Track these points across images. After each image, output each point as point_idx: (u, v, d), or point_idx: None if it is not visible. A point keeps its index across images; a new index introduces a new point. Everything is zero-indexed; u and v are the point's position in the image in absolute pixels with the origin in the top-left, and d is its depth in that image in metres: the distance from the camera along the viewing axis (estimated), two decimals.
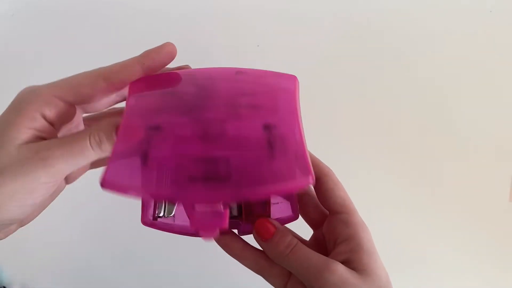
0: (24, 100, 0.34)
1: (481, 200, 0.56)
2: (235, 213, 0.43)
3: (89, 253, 0.59)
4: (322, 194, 0.42)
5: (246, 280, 0.51)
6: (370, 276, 0.37)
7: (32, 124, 0.34)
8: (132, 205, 0.39)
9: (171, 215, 0.42)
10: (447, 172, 0.56)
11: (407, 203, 0.57)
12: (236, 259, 0.43)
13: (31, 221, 0.40)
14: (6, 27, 0.52)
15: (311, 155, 0.42)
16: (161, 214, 0.42)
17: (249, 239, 0.42)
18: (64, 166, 0.33)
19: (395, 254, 0.58)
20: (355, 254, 0.38)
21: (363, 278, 0.37)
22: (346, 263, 0.38)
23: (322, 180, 0.41)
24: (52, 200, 0.41)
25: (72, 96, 0.35)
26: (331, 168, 0.42)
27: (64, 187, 0.42)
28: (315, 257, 0.38)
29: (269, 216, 0.42)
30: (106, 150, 0.35)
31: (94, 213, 0.57)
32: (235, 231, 0.43)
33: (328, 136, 0.57)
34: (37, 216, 0.41)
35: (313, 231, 0.45)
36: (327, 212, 0.43)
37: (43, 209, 0.41)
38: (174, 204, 0.42)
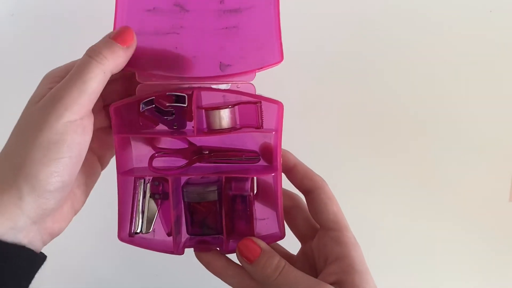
0: (48, 73, 0.36)
1: (481, 200, 0.55)
2: (217, 228, 0.40)
3: (90, 253, 0.58)
4: (314, 208, 0.39)
5: None
6: None
7: (52, 85, 0.34)
8: None
9: (149, 231, 0.40)
10: (447, 172, 0.55)
11: (406, 203, 0.56)
12: (220, 278, 0.40)
13: (82, 204, 0.38)
14: (6, 27, 0.52)
15: (304, 166, 0.40)
16: (138, 230, 0.39)
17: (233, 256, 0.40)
18: (77, 94, 0.32)
19: (395, 254, 0.57)
20: (347, 275, 0.35)
21: None
22: (338, 284, 0.35)
23: (315, 193, 0.39)
24: (92, 182, 0.39)
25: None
26: (324, 180, 0.39)
27: (99, 171, 0.40)
28: (306, 280, 0.35)
29: (253, 234, 0.39)
30: (110, 57, 0.34)
31: (94, 213, 0.55)
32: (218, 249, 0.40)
33: (330, 137, 0.57)
34: (85, 199, 0.39)
35: (302, 245, 0.42)
36: (318, 226, 0.40)
37: (89, 190, 0.39)
38: (152, 220, 0.40)
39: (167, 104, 0.37)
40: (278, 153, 0.38)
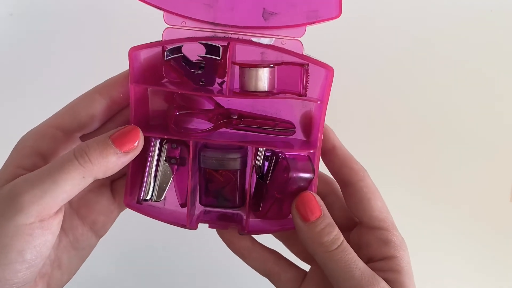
0: (20, 140, 0.32)
1: (482, 200, 0.54)
2: (236, 202, 0.35)
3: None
4: (354, 203, 0.34)
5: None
6: None
7: (20, 162, 0.30)
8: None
9: (161, 199, 0.35)
10: (447, 172, 0.54)
11: (406, 203, 0.55)
12: (242, 259, 0.36)
13: (64, 284, 0.33)
14: (5, 26, 0.51)
15: (344, 150, 0.34)
16: (148, 197, 0.34)
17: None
18: (41, 194, 0.26)
19: None
20: (396, 274, 0.32)
21: None
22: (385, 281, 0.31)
23: (355, 186, 0.33)
24: (81, 257, 0.34)
25: (70, 121, 0.32)
26: (365, 169, 0.34)
27: (93, 242, 0.35)
28: (361, 267, 0.31)
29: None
30: (97, 163, 0.28)
31: None
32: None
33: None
34: (70, 278, 0.34)
35: None
36: (357, 220, 0.35)
37: (77, 266, 0.34)
38: (165, 187, 0.35)
39: (198, 55, 0.31)
40: (320, 127, 0.32)
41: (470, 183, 0.54)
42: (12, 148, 0.32)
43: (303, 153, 0.34)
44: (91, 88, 0.33)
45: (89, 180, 0.28)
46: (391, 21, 0.51)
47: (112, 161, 0.29)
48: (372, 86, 0.52)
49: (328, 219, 0.31)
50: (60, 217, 0.29)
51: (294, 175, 0.32)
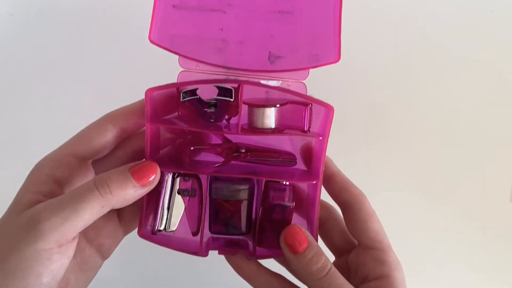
0: (36, 166, 0.33)
1: (482, 200, 0.55)
2: (243, 229, 0.38)
3: None
4: (352, 225, 0.37)
5: None
6: None
7: (38, 188, 0.31)
8: None
9: (174, 230, 0.37)
10: (447, 172, 0.55)
11: (406, 203, 0.55)
12: (248, 282, 0.38)
13: None
14: (5, 26, 0.51)
15: (343, 176, 0.38)
16: (162, 228, 0.36)
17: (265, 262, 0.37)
18: (61, 221, 0.28)
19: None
20: None
21: None
22: None
23: (354, 208, 0.36)
24: (87, 278, 0.35)
25: (84, 148, 0.34)
26: (364, 193, 0.37)
27: (99, 264, 0.36)
28: None
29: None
30: (116, 194, 0.30)
31: None
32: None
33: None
34: None
35: (336, 258, 0.40)
36: (355, 242, 0.38)
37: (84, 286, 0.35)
38: (178, 218, 0.37)
39: (213, 97, 0.33)
40: (322, 161, 0.35)
41: (470, 183, 0.54)
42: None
43: (303, 183, 0.37)
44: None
45: (106, 210, 0.30)
46: (391, 22, 0.52)
47: (130, 193, 0.31)
48: (372, 86, 0.53)
49: (315, 248, 0.34)
50: (76, 242, 0.30)
51: (274, 202, 0.35)
